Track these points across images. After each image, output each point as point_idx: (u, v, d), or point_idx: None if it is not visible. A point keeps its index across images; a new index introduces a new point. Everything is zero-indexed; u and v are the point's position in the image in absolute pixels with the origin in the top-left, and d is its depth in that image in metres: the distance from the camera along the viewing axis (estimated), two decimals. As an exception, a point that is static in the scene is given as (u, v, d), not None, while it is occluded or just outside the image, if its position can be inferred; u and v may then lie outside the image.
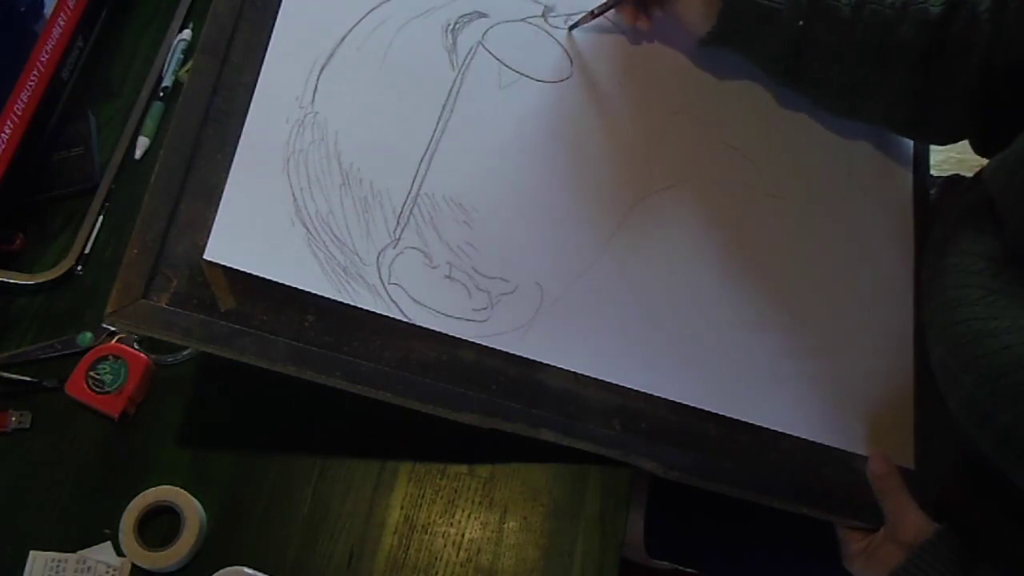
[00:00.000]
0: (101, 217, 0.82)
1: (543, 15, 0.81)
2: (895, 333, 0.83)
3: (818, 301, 0.81)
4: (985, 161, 0.76)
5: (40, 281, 0.78)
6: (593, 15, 0.80)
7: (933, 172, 0.91)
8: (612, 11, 0.81)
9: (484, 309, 0.71)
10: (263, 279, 0.66)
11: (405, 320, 0.69)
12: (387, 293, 0.69)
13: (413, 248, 0.71)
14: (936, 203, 0.89)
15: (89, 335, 0.77)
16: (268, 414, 0.76)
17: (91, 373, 0.74)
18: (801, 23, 0.76)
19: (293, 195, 0.69)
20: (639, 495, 0.94)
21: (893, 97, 0.79)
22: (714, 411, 0.75)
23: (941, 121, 0.80)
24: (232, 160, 0.68)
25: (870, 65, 0.77)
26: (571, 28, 0.81)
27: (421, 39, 0.76)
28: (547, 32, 0.80)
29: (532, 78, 0.79)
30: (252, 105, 0.70)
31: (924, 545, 0.71)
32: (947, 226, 0.79)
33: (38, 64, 0.81)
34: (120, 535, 0.70)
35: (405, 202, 0.71)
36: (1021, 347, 0.63)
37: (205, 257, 0.66)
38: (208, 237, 0.66)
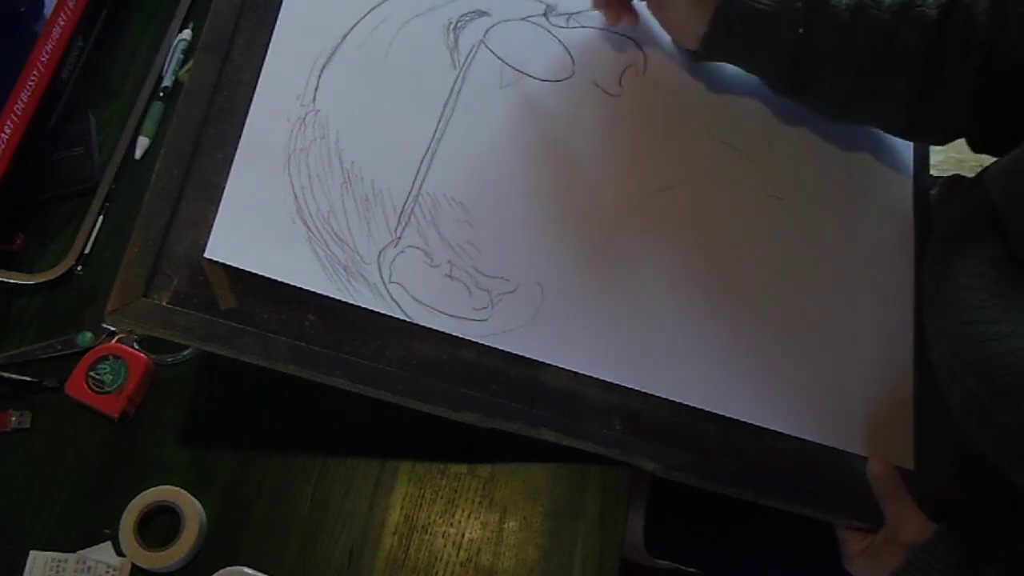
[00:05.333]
0: (101, 217, 0.81)
1: (545, 14, 0.81)
2: (895, 333, 0.83)
3: (818, 301, 0.82)
4: (985, 160, 0.76)
5: (40, 281, 0.78)
6: None
7: (933, 172, 0.91)
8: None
9: (485, 308, 0.71)
10: (264, 278, 0.66)
11: (406, 319, 0.69)
12: (388, 292, 0.69)
13: (414, 247, 0.70)
14: (937, 203, 0.89)
15: (89, 335, 0.76)
16: (268, 414, 0.76)
17: (91, 373, 0.74)
18: (801, 30, 0.75)
19: (294, 193, 0.69)
20: (639, 495, 0.94)
21: (893, 101, 0.78)
22: (714, 411, 0.75)
23: (940, 122, 0.79)
24: (233, 159, 0.68)
25: (870, 71, 0.76)
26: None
27: (422, 37, 0.76)
28: (549, 31, 0.80)
29: (534, 77, 0.78)
30: (253, 103, 0.70)
31: (924, 545, 0.71)
32: (948, 227, 0.79)
33: (38, 64, 0.81)
34: (120, 535, 0.70)
35: (406, 201, 0.71)
36: (1023, 351, 0.63)
37: (206, 256, 0.65)
38: (209, 236, 0.66)
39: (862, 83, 0.77)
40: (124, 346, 0.76)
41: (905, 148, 0.89)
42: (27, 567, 0.70)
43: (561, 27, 0.80)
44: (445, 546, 0.73)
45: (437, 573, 0.72)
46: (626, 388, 0.73)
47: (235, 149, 0.68)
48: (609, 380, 0.73)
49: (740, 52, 0.78)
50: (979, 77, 0.75)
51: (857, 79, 0.77)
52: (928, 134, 0.83)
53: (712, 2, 0.74)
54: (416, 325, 0.69)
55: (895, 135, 0.86)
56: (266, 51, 0.71)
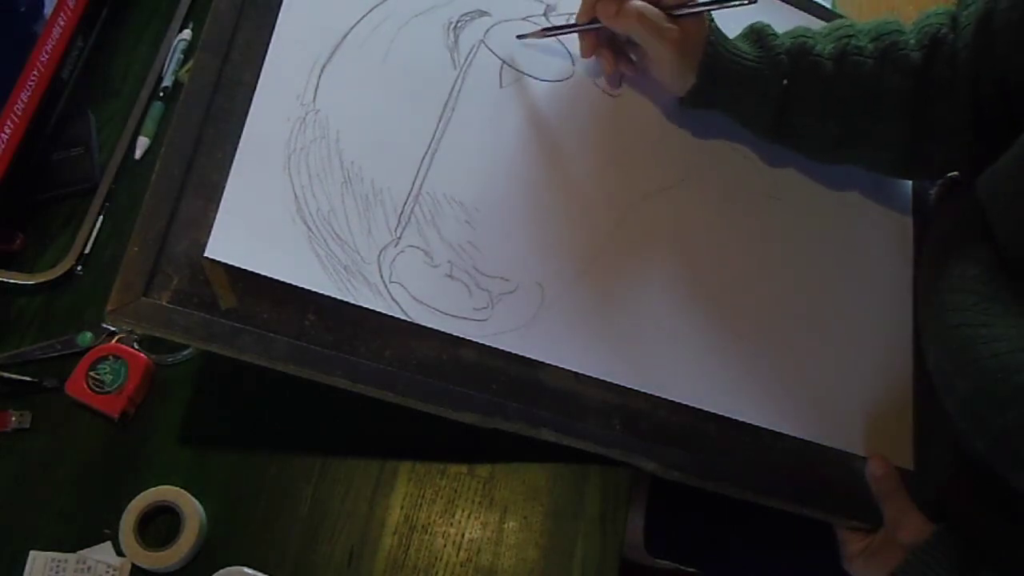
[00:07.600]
0: (101, 217, 0.81)
1: (545, 14, 0.81)
2: (894, 334, 0.83)
3: (817, 302, 0.82)
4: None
5: (40, 281, 0.78)
6: (544, 33, 0.78)
7: (932, 173, 0.91)
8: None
9: (485, 308, 0.71)
10: (264, 277, 0.66)
11: (406, 319, 0.69)
12: (388, 292, 0.69)
13: (414, 247, 0.70)
14: (935, 204, 0.89)
15: (89, 335, 0.76)
16: (268, 414, 0.76)
17: (91, 373, 0.74)
18: (785, 82, 0.75)
19: (294, 193, 0.69)
20: (639, 495, 0.94)
21: (882, 144, 0.78)
22: (714, 411, 0.75)
23: (931, 160, 0.79)
24: (233, 158, 0.68)
25: (856, 116, 0.76)
26: (519, 37, 0.79)
27: (423, 37, 0.76)
28: (549, 31, 0.81)
29: (534, 77, 0.79)
30: (253, 103, 0.69)
31: (923, 546, 0.71)
32: (943, 230, 0.79)
33: (38, 64, 0.81)
34: (120, 535, 0.70)
35: (406, 200, 0.71)
36: (1011, 355, 0.63)
37: (206, 255, 0.65)
38: (209, 235, 0.66)
39: (848, 129, 0.77)
40: (124, 346, 0.76)
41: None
42: (27, 567, 0.70)
43: (561, 27, 0.80)
44: (445, 546, 0.73)
45: (437, 573, 0.72)
46: (626, 388, 0.73)
47: (235, 149, 0.68)
48: (609, 380, 0.73)
49: (726, 102, 0.78)
50: (968, 112, 0.74)
51: (843, 125, 0.77)
52: (919, 172, 0.83)
53: (698, 57, 0.74)
54: (416, 325, 0.69)
55: (884, 174, 0.86)
56: (266, 51, 0.71)
